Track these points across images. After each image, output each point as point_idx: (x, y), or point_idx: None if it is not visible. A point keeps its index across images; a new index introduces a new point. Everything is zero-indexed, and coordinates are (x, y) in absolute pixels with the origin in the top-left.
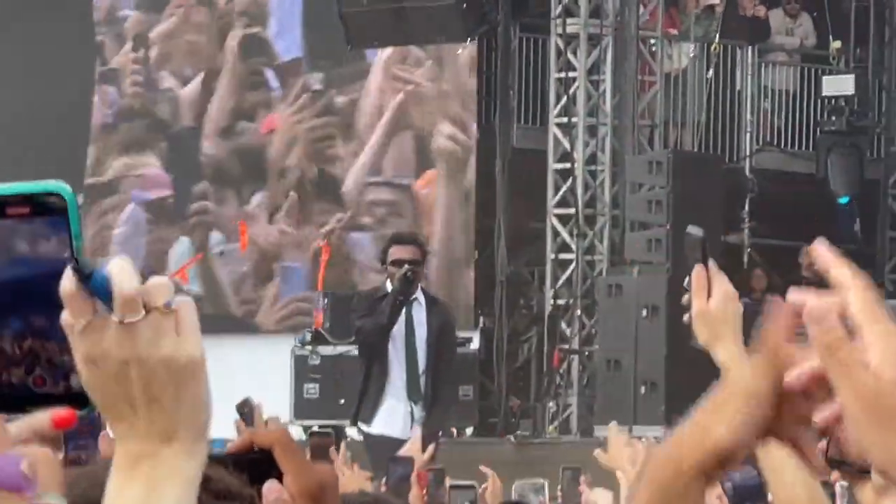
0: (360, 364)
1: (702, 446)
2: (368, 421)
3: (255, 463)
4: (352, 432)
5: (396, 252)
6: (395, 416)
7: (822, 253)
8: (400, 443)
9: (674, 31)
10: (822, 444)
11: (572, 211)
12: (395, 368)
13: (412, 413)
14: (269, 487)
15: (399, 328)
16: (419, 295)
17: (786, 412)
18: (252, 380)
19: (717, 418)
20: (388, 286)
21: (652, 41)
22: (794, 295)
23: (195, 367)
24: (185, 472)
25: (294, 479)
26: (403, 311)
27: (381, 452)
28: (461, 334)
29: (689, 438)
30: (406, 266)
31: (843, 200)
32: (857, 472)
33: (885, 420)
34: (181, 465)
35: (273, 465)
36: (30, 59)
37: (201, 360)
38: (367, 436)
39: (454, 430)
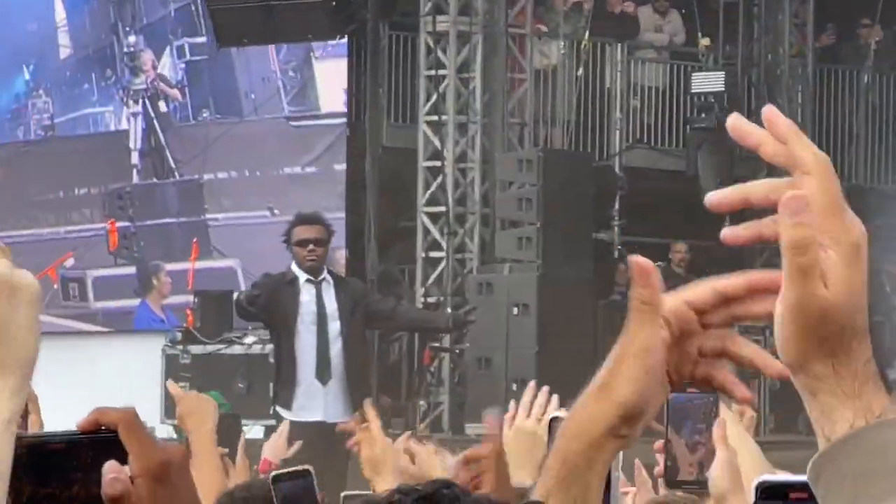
0: (273, 348)
1: (607, 408)
2: (288, 405)
3: (102, 442)
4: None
5: (301, 232)
6: (313, 400)
7: (782, 124)
8: (321, 424)
9: (543, 28)
10: (659, 468)
11: (443, 209)
12: (306, 350)
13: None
14: (108, 466)
15: (309, 308)
16: (326, 274)
17: (684, 355)
18: (122, 379)
19: (615, 379)
20: (294, 268)
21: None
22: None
23: (31, 294)
24: (7, 412)
25: (137, 459)
26: (314, 291)
27: (304, 436)
28: None
29: (593, 404)
30: (311, 248)
31: None
32: (696, 490)
33: (817, 334)
34: (5, 403)
35: (120, 444)
36: None
37: (37, 289)
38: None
39: None
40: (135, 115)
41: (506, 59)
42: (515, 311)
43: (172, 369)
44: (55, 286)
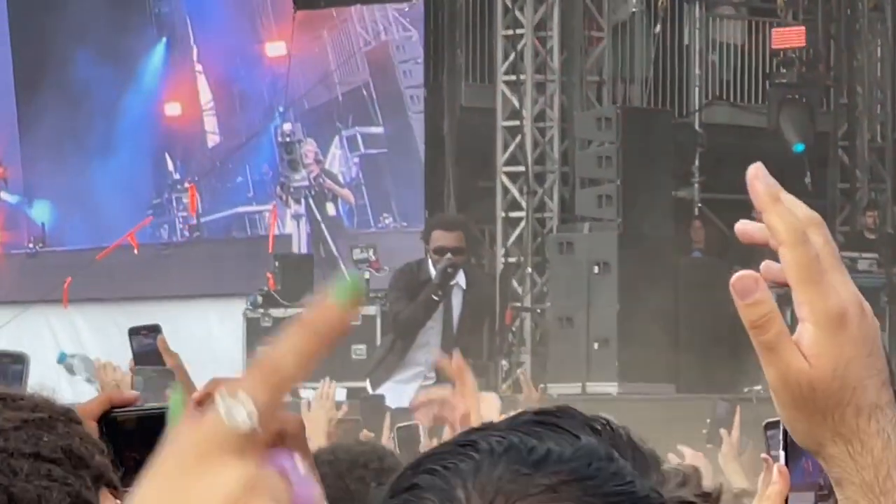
0: (383, 338)
1: None
2: (375, 385)
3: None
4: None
5: (439, 238)
6: (399, 393)
7: (759, 192)
8: (395, 409)
9: None
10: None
11: (522, 168)
12: (419, 354)
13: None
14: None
15: (436, 312)
16: (460, 278)
17: None
18: (204, 343)
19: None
20: (431, 270)
21: None
22: None
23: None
24: None
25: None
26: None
27: (372, 412)
28: None
29: None
30: (448, 257)
31: (798, 148)
32: None
33: (813, 410)
34: None
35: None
36: None
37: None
38: (368, 395)
39: None
40: (296, 216)
41: (583, 16)
42: (596, 269)
43: (254, 333)
44: (136, 252)
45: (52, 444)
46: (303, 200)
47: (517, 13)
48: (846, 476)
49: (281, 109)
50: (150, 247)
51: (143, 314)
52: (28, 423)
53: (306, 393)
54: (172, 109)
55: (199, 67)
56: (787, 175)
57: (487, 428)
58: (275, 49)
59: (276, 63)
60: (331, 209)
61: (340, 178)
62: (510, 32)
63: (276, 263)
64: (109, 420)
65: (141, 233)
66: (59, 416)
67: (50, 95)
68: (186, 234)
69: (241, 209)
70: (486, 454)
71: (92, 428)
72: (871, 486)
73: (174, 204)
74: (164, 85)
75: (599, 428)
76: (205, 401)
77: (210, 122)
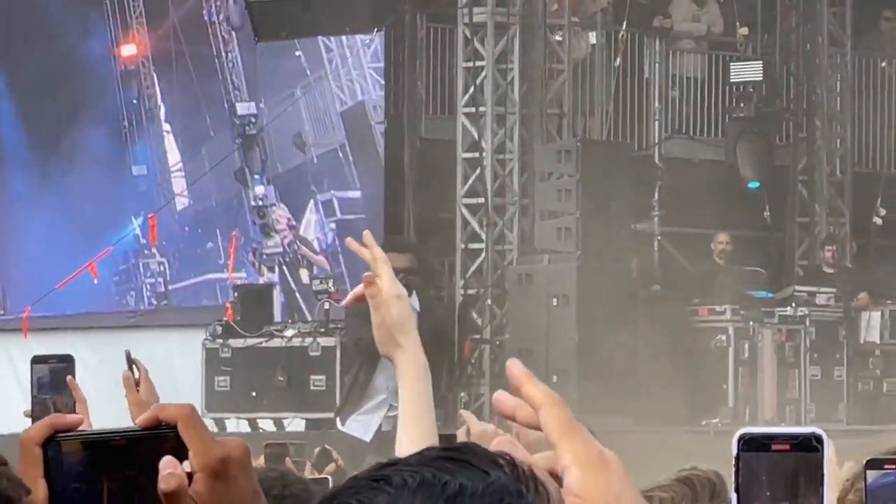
0: (350, 363)
1: None
2: (343, 421)
3: (161, 438)
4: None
5: (391, 259)
6: (367, 425)
7: (515, 373)
8: (363, 443)
9: (576, 20)
10: None
11: (482, 200)
12: (380, 378)
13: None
14: (164, 462)
15: None
16: (413, 301)
17: None
18: (163, 373)
19: None
20: None
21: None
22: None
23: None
24: None
25: (196, 455)
26: None
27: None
28: None
29: None
30: (400, 276)
31: (753, 185)
32: None
33: None
34: None
35: (179, 440)
36: None
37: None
38: (338, 431)
39: None
40: (269, 284)
41: (544, 49)
42: (555, 301)
43: (213, 363)
44: (95, 281)
45: None
46: (276, 268)
47: (478, 45)
48: None
49: (257, 176)
50: (116, 315)
51: (104, 344)
52: None
53: (231, 423)
54: (139, 170)
55: (166, 127)
56: (746, 209)
57: (398, 463)
58: (246, 108)
59: (248, 123)
60: (304, 276)
61: (315, 245)
62: (470, 64)
63: (235, 294)
64: (53, 444)
65: (107, 300)
66: None
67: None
68: (154, 301)
69: (211, 276)
70: (400, 489)
71: (36, 454)
72: None
73: (141, 270)
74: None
75: (503, 463)
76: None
77: (178, 184)
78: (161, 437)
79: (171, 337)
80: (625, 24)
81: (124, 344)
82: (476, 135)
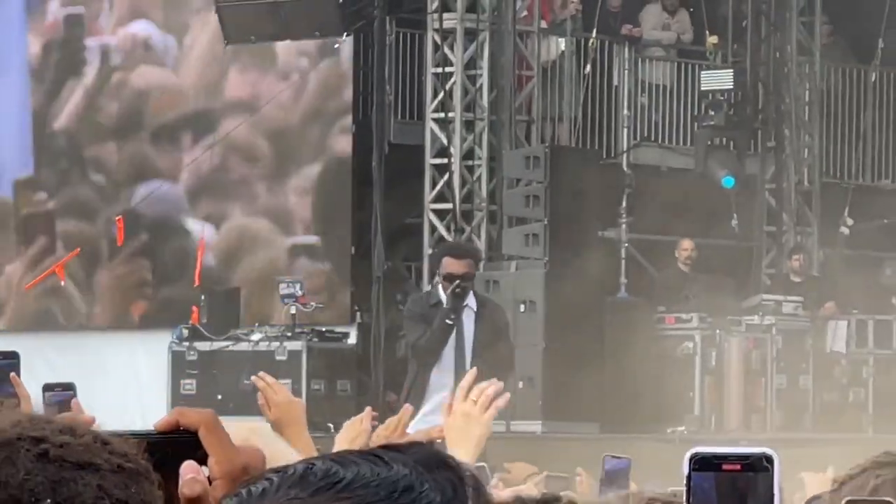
0: (410, 365)
1: None
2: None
3: (180, 443)
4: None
5: (449, 265)
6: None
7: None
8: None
9: (544, 25)
10: None
11: (449, 206)
12: (436, 377)
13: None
14: (186, 466)
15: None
16: (470, 300)
17: None
18: (129, 375)
19: None
20: (441, 295)
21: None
22: None
23: None
24: None
25: (218, 462)
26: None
27: None
28: (338, 329)
29: None
30: (457, 282)
31: (728, 182)
32: None
33: None
34: None
35: (198, 445)
36: None
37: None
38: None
39: (331, 426)
40: (236, 288)
41: (513, 55)
42: (522, 308)
43: (179, 366)
44: (62, 283)
45: (136, 499)
46: None
47: (447, 51)
48: None
49: None
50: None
51: (70, 346)
52: (123, 469)
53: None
54: None
55: None
56: (714, 217)
57: (331, 456)
58: None
59: None
60: None
61: None
62: (440, 70)
63: (203, 297)
64: None
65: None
66: (144, 472)
67: None
68: None
69: None
70: (284, 478)
71: None
72: None
73: None
74: None
75: (440, 465)
76: (168, 429)
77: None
78: (178, 442)
79: (138, 339)
80: (594, 31)
81: (90, 347)
82: (445, 140)
